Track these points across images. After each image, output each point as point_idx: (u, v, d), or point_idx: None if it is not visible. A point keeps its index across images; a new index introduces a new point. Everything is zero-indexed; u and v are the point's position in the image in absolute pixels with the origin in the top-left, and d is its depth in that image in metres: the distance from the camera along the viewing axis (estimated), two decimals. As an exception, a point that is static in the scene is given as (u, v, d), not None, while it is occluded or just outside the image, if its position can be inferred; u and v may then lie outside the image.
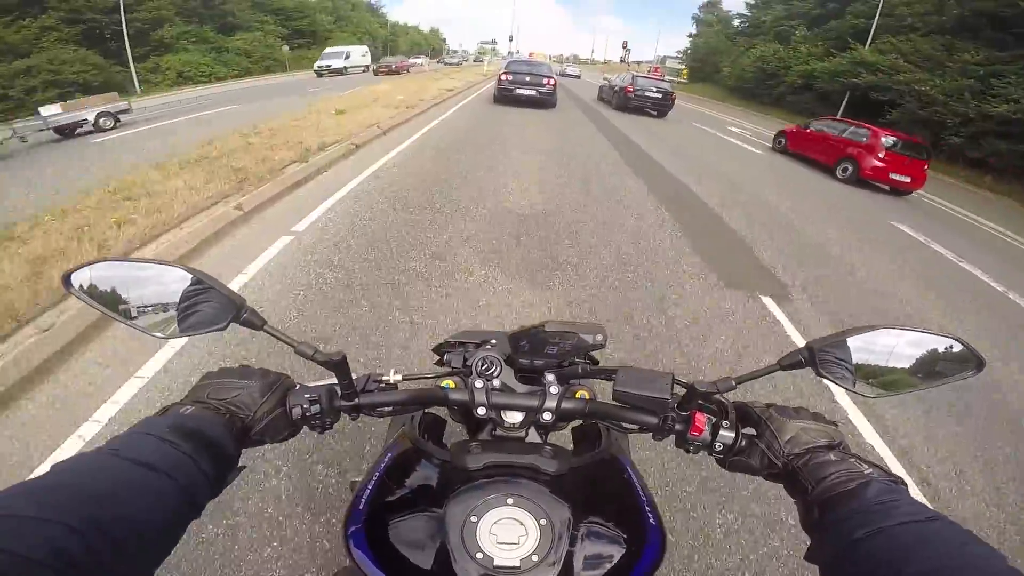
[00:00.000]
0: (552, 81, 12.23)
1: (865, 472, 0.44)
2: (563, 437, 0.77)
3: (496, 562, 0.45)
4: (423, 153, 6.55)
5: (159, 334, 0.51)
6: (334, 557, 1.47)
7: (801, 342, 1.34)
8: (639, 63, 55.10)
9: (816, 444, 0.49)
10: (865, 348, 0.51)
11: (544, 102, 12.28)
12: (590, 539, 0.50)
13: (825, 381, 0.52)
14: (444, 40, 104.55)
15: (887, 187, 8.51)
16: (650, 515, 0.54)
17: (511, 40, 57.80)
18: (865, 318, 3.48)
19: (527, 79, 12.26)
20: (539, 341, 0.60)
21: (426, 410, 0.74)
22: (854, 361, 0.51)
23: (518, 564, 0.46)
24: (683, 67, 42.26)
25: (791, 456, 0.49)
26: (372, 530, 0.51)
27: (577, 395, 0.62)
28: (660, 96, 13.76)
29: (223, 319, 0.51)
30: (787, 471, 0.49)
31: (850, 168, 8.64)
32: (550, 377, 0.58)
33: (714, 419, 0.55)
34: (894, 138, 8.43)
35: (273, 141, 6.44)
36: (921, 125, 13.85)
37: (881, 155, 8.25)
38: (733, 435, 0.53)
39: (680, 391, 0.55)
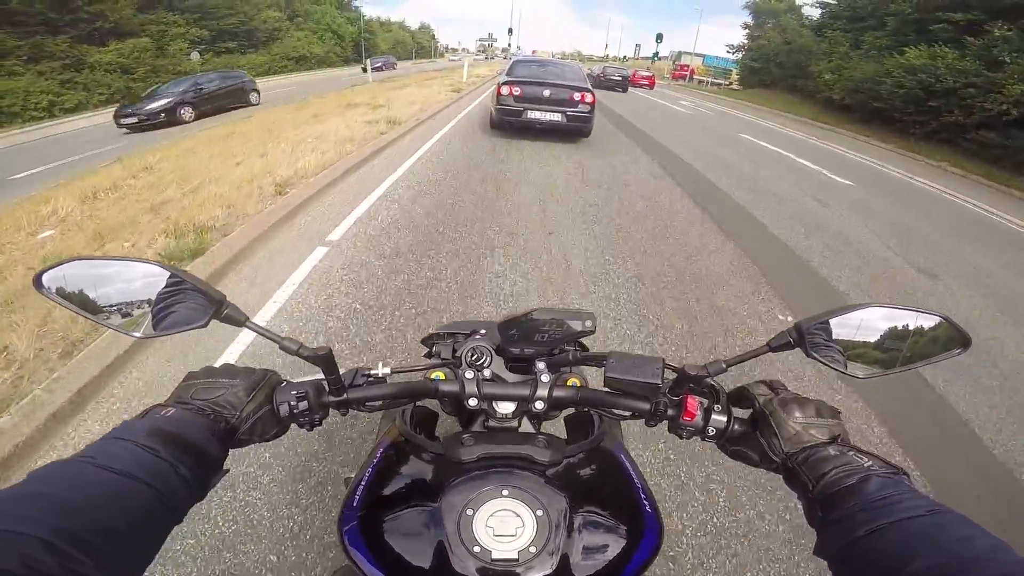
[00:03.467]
0: (589, 97, 7.10)
1: (865, 465, 0.44)
2: (555, 427, 0.76)
3: (494, 555, 0.46)
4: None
5: (137, 334, 0.51)
6: (328, 556, 1.45)
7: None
8: (660, 58, 47.35)
9: (816, 442, 0.49)
10: (851, 327, 0.51)
11: (577, 131, 7.48)
12: (587, 528, 0.51)
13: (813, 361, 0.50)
14: (434, 38, 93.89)
15: (641, 87, 26.24)
16: (646, 503, 0.56)
17: (511, 33, 51.61)
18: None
19: (546, 93, 6.99)
20: (529, 329, 0.57)
21: (417, 403, 0.76)
22: (841, 340, 0.52)
23: (516, 556, 0.47)
24: (731, 68, 35.15)
25: (790, 454, 0.49)
26: (368, 527, 0.52)
27: (568, 383, 0.63)
28: (620, 79, 22.55)
29: (203, 316, 0.51)
30: (786, 467, 0.49)
31: (627, 84, 23.64)
32: (540, 365, 0.60)
33: (706, 403, 0.55)
34: (642, 71, 29.50)
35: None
36: None
37: (635, 76, 26.68)
38: (725, 419, 0.54)
39: (671, 376, 0.55)
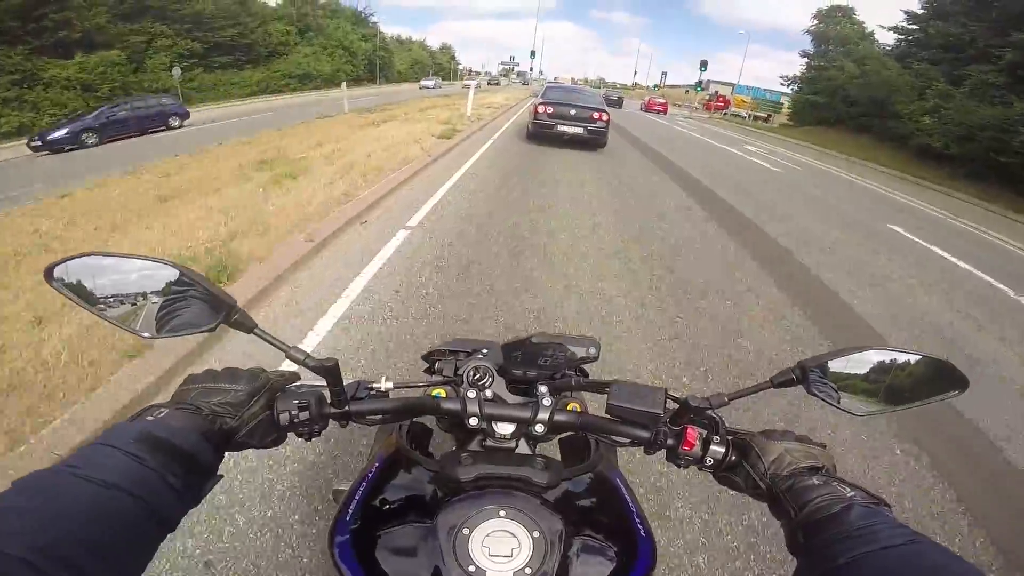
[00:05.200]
0: (605, 116, 9.51)
1: (847, 495, 0.45)
2: (549, 450, 0.76)
3: (489, 575, 0.47)
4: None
5: (145, 333, 0.51)
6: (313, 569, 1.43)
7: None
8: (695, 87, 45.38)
9: (800, 466, 0.51)
10: (854, 367, 0.54)
11: (594, 142, 9.76)
12: (582, 552, 0.52)
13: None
14: (453, 59, 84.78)
15: (656, 112, 32.91)
16: (640, 527, 0.58)
17: (533, 57, 50.02)
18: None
19: (571, 112, 9.35)
20: (532, 352, 0.61)
21: (414, 419, 0.77)
22: (843, 380, 0.54)
23: None
24: (780, 102, 32.24)
25: (775, 478, 0.51)
26: (360, 542, 0.52)
27: (569, 407, 0.65)
28: (615, 99, 32.45)
29: (212, 320, 0.51)
30: (771, 494, 0.51)
31: (643, 105, 36.34)
32: (543, 388, 0.60)
33: (705, 433, 0.56)
34: (658, 98, 37.27)
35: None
36: None
37: (650, 102, 35.58)
38: (723, 450, 0.55)
39: (672, 406, 0.57)
